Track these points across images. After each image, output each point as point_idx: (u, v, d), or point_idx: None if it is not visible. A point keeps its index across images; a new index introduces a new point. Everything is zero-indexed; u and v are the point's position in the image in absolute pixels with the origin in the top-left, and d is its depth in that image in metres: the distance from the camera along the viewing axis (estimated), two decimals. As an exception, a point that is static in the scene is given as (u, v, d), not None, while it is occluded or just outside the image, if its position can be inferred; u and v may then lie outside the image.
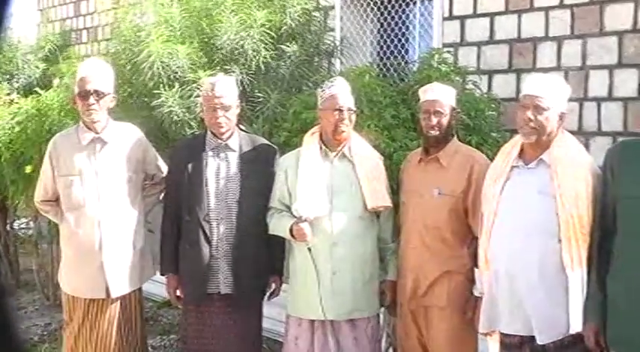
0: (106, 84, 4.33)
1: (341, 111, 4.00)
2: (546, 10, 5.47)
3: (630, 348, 3.20)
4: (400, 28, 6.54)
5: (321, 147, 4.08)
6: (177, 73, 5.08)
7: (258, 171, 4.23)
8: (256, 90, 5.15)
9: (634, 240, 3.17)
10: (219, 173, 4.20)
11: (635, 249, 3.17)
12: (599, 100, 5.25)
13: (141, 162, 4.48)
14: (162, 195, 4.55)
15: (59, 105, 6.09)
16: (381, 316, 4.38)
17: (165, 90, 4.99)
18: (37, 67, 7.53)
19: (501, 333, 3.67)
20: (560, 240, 3.40)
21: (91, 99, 4.26)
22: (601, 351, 3.34)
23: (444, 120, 3.93)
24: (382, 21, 6.67)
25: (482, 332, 3.81)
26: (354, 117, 4.07)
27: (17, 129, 6.45)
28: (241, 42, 5.14)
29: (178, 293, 4.37)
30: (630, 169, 3.24)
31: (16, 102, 6.71)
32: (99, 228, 4.28)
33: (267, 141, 4.45)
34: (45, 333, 6.71)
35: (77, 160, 4.33)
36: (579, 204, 3.39)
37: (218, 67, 5.04)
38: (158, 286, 5.38)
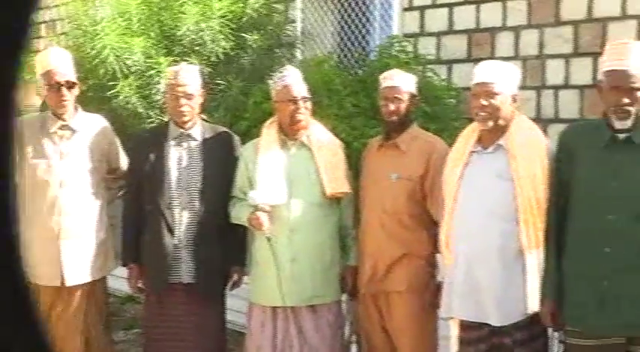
0: (73, 73, 4.31)
1: (296, 101, 4.02)
2: (503, 0, 5.54)
3: (585, 325, 3.28)
4: (360, 19, 6.57)
5: (279, 137, 4.10)
6: (131, 66, 5.06)
7: (220, 160, 4.23)
8: (217, 80, 5.15)
9: (586, 220, 3.26)
10: (182, 162, 4.20)
11: (587, 229, 3.26)
12: (556, 88, 5.33)
13: (105, 154, 4.46)
14: (123, 189, 4.54)
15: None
16: (344, 304, 4.39)
17: (121, 82, 4.98)
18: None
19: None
20: (518, 223, 3.46)
21: (64, 91, 4.24)
22: (557, 329, 3.42)
23: (403, 107, 3.96)
24: (343, 12, 6.70)
25: (443, 317, 3.86)
26: (309, 105, 4.09)
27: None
28: (201, 33, 5.14)
29: (140, 284, 4.37)
30: (584, 151, 3.31)
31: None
32: (59, 215, 4.26)
33: (228, 130, 4.45)
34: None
35: (45, 146, 4.30)
36: (537, 187, 3.45)
37: (178, 58, 5.03)
38: (121, 281, 5.35)
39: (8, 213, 1.16)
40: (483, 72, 3.61)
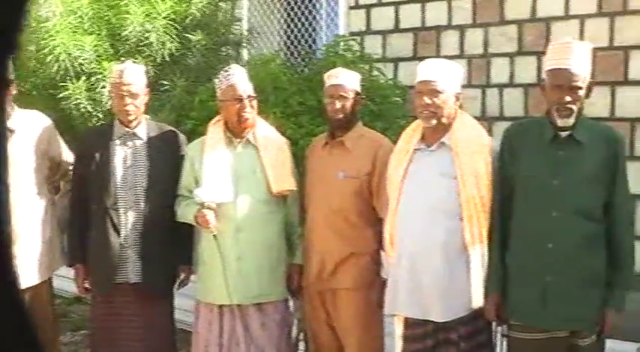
0: (11, 71, 4.22)
1: (241, 100, 4.01)
2: (449, -1, 5.61)
3: (528, 319, 3.34)
4: (307, 18, 6.58)
5: (225, 135, 4.09)
6: (83, 64, 5.00)
7: (165, 159, 4.21)
8: (163, 80, 5.12)
9: (530, 217, 3.32)
10: (127, 161, 4.17)
11: (530, 225, 3.32)
12: (501, 87, 5.41)
13: (45, 151, 4.38)
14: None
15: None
16: (291, 302, 4.39)
17: (72, 82, 4.91)
18: None
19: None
20: (461, 219, 3.50)
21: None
22: (501, 323, 3.48)
23: (348, 105, 3.98)
24: (289, 10, 6.71)
25: (386, 314, 3.88)
26: (255, 103, 4.08)
27: None
28: (146, 34, 5.10)
29: (87, 284, 4.31)
30: (527, 148, 3.37)
31: None
32: None
33: (173, 129, 4.43)
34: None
35: None
36: (480, 184, 3.49)
37: (124, 59, 4.98)
38: (68, 282, 5.29)
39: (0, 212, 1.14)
40: (426, 70, 3.63)
